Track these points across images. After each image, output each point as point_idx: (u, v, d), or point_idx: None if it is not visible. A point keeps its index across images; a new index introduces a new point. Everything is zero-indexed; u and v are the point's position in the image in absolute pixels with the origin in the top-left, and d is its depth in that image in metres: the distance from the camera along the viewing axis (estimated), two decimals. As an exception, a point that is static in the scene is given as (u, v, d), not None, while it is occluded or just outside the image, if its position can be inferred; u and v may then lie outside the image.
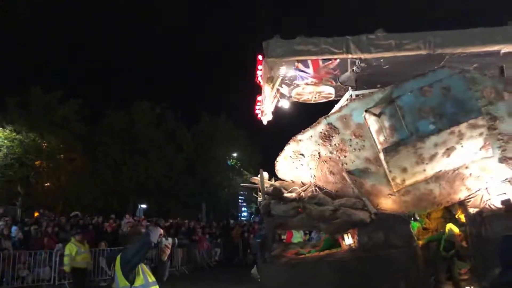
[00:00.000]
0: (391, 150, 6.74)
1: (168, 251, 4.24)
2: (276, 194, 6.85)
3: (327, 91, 8.67)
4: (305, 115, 6.90)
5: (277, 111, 9.02)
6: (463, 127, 6.61)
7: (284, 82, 8.33)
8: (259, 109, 8.19)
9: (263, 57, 7.30)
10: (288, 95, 8.72)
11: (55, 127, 24.13)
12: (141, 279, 3.80)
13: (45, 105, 24.12)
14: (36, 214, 20.07)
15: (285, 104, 8.83)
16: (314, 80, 8.04)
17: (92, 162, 26.73)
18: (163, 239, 4.16)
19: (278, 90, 8.25)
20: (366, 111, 6.86)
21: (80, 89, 29.09)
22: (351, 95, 7.82)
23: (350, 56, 7.22)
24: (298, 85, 8.55)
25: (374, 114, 6.94)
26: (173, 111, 29.54)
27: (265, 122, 8.67)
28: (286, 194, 6.97)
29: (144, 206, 28.34)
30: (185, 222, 20.88)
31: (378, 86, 7.52)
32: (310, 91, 8.76)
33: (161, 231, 4.14)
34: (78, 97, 25.33)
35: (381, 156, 6.80)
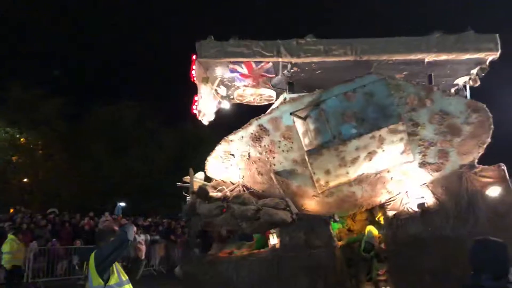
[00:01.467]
0: (314, 152, 6.91)
1: (143, 248, 4.16)
2: (202, 193, 6.99)
3: (268, 94, 8.83)
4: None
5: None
6: (383, 132, 6.80)
7: (223, 83, 8.47)
8: (196, 109, 8.31)
9: (196, 57, 7.47)
10: (227, 96, 8.88)
11: (36, 123, 24.13)
12: (115, 278, 3.70)
13: (25, 101, 24.10)
14: (11, 211, 20.06)
15: (225, 105, 8.99)
16: (251, 82, 8.21)
17: (72, 159, 26.72)
18: (136, 235, 4.06)
19: (216, 90, 8.40)
20: (291, 113, 7.04)
21: (65, 86, 28.92)
22: (285, 98, 7.98)
23: (280, 59, 7.41)
24: (238, 87, 8.72)
25: (300, 117, 7.13)
26: (157, 110, 29.64)
27: (205, 123, 8.78)
28: (212, 194, 7.12)
29: (123, 204, 28.33)
30: (163, 221, 20.95)
31: (316, 90, 7.72)
32: (251, 93, 8.92)
33: (135, 228, 4.03)
34: (63, 94, 25.33)
35: (306, 158, 6.98)
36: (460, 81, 8.32)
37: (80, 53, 32.22)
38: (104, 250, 3.76)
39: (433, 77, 7.94)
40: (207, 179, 8.22)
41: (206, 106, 8.59)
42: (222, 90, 8.51)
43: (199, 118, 8.54)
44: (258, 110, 9.23)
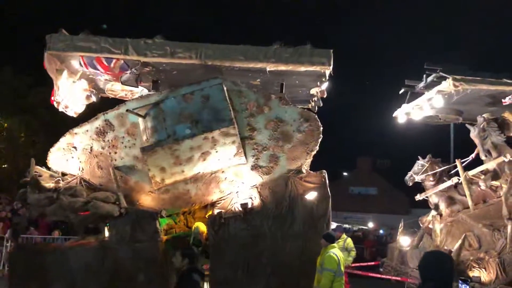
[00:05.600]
0: (148, 149, 7.16)
1: None
2: (33, 183, 7.05)
3: (137, 91, 8.99)
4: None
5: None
6: (216, 134, 7.15)
7: (88, 77, 8.53)
8: (55, 100, 8.32)
9: (45, 50, 7.52)
10: (95, 90, 8.94)
11: (21, 111, 23.32)
12: None
13: (14, 89, 23.23)
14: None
15: (95, 99, 9.07)
16: (111, 77, 8.34)
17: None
18: None
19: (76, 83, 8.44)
20: (127, 110, 7.26)
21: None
22: (142, 96, 8.17)
23: (128, 57, 7.56)
24: (107, 81, 8.81)
25: (139, 115, 7.36)
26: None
27: (73, 115, 8.79)
28: (45, 184, 7.19)
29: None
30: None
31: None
32: (122, 88, 9.05)
33: None
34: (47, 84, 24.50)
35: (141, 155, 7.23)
36: (314, 91, 8.83)
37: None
38: None
39: (284, 86, 8.38)
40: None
41: (70, 98, 8.63)
42: (83, 83, 8.57)
43: (61, 110, 8.55)
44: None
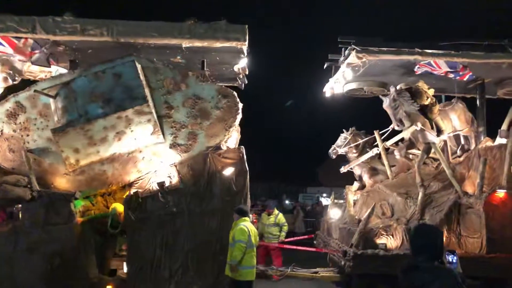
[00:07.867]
0: (59, 130, 6.96)
1: None
2: None
3: (52, 71, 8.68)
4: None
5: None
6: (129, 112, 7.02)
7: (0, 59, 8.17)
8: None
9: None
10: (10, 72, 8.59)
11: None
12: None
13: None
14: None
15: (11, 81, 8.71)
16: (21, 57, 7.99)
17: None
18: None
19: None
20: (35, 91, 7.03)
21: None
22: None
23: (36, 36, 7.27)
24: (23, 62, 8.45)
25: (49, 95, 7.14)
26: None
27: None
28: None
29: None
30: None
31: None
32: (40, 70, 8.73)
33: None
34: None
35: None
36: (236, 68, 8.78)
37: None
38: None
39: (207, 64, 8.29)
40: None
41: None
42: (-6, 66, 8.19)
43: None
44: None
